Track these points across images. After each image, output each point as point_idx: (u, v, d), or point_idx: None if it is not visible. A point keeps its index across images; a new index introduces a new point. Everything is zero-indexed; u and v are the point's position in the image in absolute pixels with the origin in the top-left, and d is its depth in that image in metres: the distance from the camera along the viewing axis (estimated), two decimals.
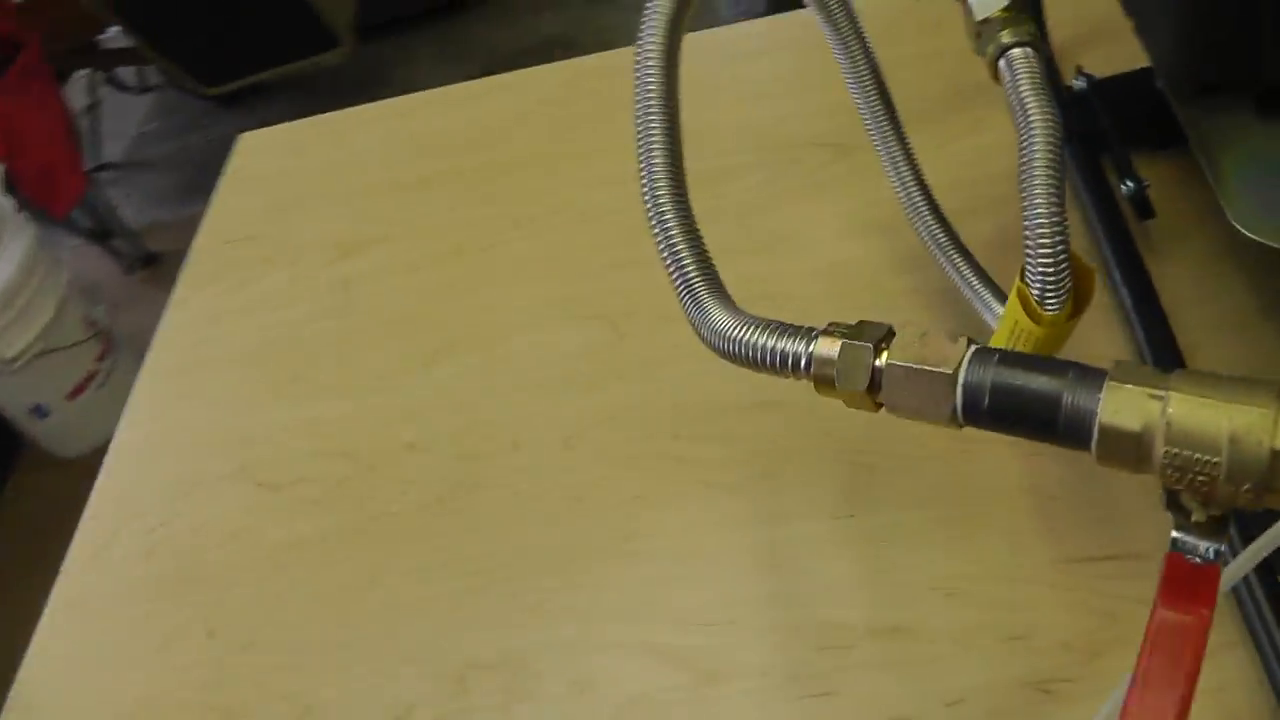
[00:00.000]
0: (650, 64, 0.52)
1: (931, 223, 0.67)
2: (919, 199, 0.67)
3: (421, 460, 0.77)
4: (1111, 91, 0.76)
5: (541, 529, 0.70)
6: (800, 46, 1.01)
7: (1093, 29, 0.84)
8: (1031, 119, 0.50)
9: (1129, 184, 0.70)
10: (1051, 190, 0.48)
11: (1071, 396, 0.37)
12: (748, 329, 0.45)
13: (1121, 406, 0.36)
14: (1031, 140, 0.49)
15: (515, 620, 0.66)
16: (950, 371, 0.39)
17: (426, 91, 1.10)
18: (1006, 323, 0.53)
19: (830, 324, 0.43)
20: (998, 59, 0.53)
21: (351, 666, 0.67)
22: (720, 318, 0.47)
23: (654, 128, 0.51)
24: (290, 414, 0.84)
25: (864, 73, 0.66)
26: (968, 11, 0.56)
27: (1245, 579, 0.55)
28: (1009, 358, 0.38)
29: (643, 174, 0.52)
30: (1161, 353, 0.64)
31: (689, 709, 0.60)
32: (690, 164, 0.87)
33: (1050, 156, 0.49)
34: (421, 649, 0.67)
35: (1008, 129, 0.81)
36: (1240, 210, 0.60)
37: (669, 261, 0.50)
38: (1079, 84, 0.76)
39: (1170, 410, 0.35)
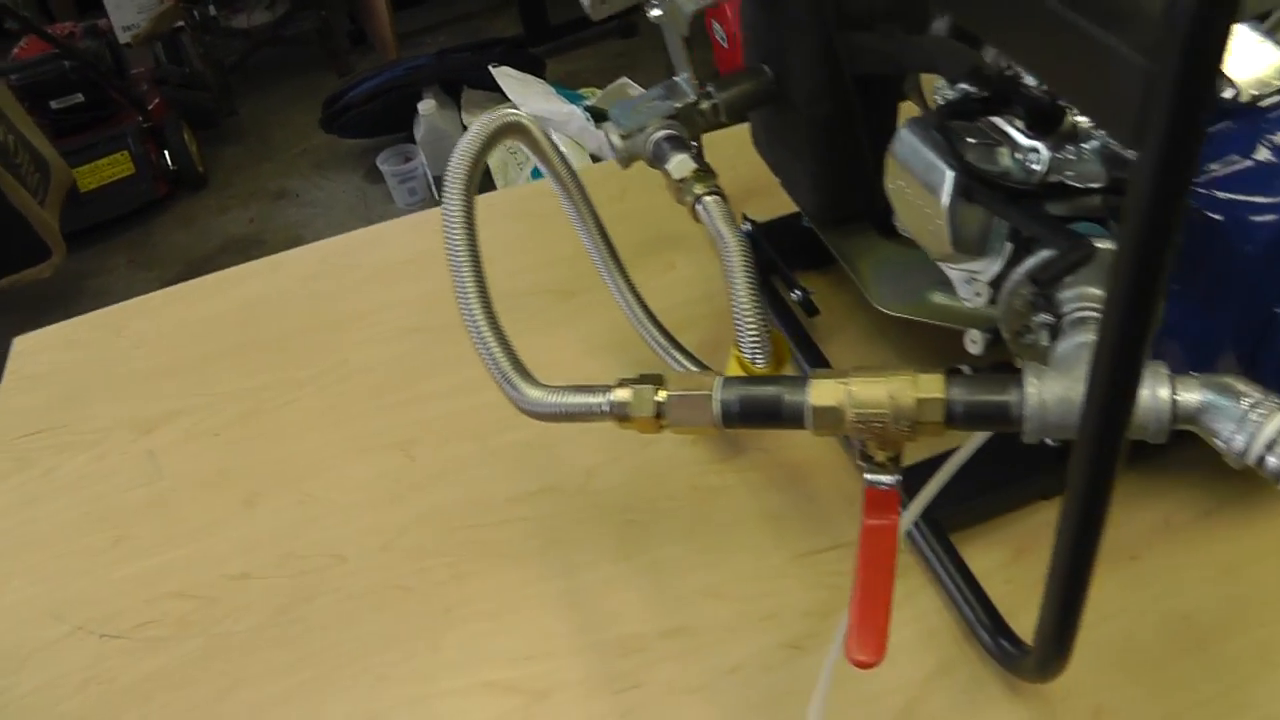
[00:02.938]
0: (455, 211, 0.71)
1: (657, 334, 0.88)
2: (644, 316, 0.89)
3: (257, 585, 0.88)
4: (773, 230, 1.01)
5: (376, 617, 0.84)
6: (517, 216, 1.23)
7: (750, 188, 1.09)
8: (728, 240, 0.72)
9: (797, 293, 0.94)
10: (750, 285, 0.71)
11: (791, 394, 0.58)
12: (554, 394, 0.64)
13: (822, 394, 0.57)
14: (730, 255, 0.71)
15: (367, 692, 0.79)
16: (709, 393, 0.59)
17: (196, 280, 1.23)
18: None
19: (619, 379, 0.63)
20: (695, 205, 0.76)
21: None
22: (531, 391, 0.66)
23: (465, 266, 0.70)
24: (120, 572, 0.91)
25: (592, 228, 0.88)
26: (668, 174, 0.79)
27: (929, 542, 0.77)
28: (745, 379, 0.60)
29: (460, 299, 0.70)
30: None
31: None
32: (436, 319, 1.06)
33: (745, 263, 0.71)
34: None
35: (693, 266, 1.06)
36: (877, 296, 0.85)
37: (487, 359, 0.69)
38: (746, 227, 1.01)
39: (852, 389, 0.56)
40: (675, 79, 0.85)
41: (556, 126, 2.40)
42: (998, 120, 0.67)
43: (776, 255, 0.97)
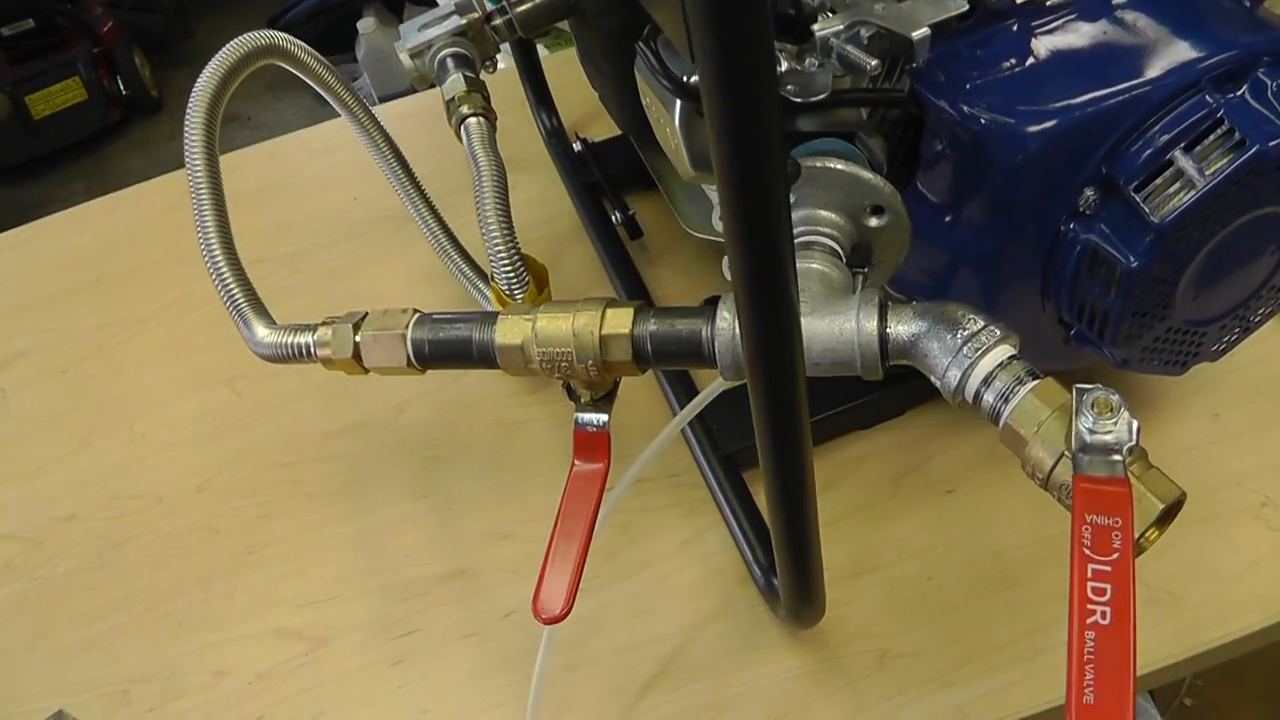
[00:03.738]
0: (196, 143, 0.67)
1: (463, 265, 0.85)
2: (450, 248, 0.85)
3: (80, 528, 0.87)
4: (604, 151, 0.97)
5: (183, 560, 0.82)
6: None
7: (595, 110, 1.04)
8: (481, 167, 0.68)
9: (618, 215, 0.89)
10: (500, 215, 0.66)
11: (480, 332, 0.54)
12: (276, 333, 0.61)
13: (507, 331, 0.53)
14: (481, 183, 0.67)
15: (165, 638, 0.78)
16: (401, 332, 0.55)
17: (63, 212, 1.20)
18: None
19: (328, 317, 0.59)
20: (459, 126, 0.72)
21: (26, 708, 0.76)
22: (259, 330, 0.62)
23: (205, 200, 0.66)
24: None
25: (394, 165, 0.84)
26: (442, 93, 0.75)
27: (716, 478, 0.74)
28: (440, 317, 0.56)
29: (199, 233, 0.66)
30: None
31: (307, 669, 0.74)
32: (280, 249, 1.04)
33: (496, 190, 0.67)
34: (89, 678, 0.77)
35: (534, 188, 1.02)
36: (685, 216, 0.81)
37: (223, 295, 0.65)
38: (578, 147, 0.96)
39: (537, 325, 0.53)
40: None
41: None
42: None
43: (601, 176, 0.93)
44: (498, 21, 0.79)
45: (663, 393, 0.81)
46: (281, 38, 0.73)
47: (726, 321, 0.51)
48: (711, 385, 0.58)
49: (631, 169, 0.92)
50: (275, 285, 1.02)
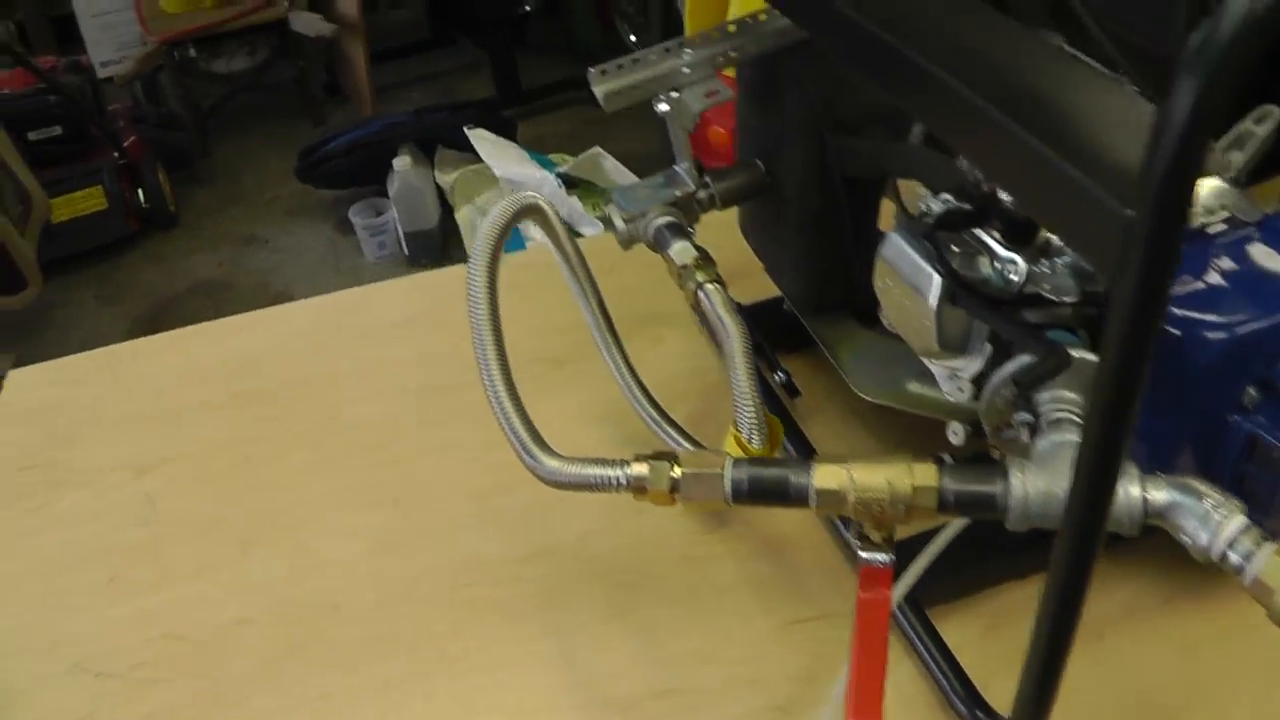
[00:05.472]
0: (479, 286, 0.76)
1: (650, 409, 0.93)
2: (638, 391, 0.93)
3: (252, 631, 0.90)
4: (757, 313, 1.06)
5: (372, 666, 0.87)
6: (506, 287, 1.24)
7: (730, 270, 1.14)
8: (729, 328, 0.78)
9: (780, 375, 0.99)
10: (749, 371, 0.76)
11: (796, 476, 0.63)
12: (576, 465, 0.69)
13: (825, 476, 0.62)
14: (730, 340, 0.77)
15: None
16: (720, 472, 0.64)
17: (192, 326, 1.26)
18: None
19: (635, 455, 0.68)
20: (697, 291, 0.81)
21: None
22: (550, 462, 0.70)
23: (488, 342, 0.75)
24: (115, 611, 0.93)
25: (594, 303, 0.92)
26: (670, 260, 0.85)
27: (907, 619, 0.82)
28: (753, 460, 0.65)
29: (482, 368, 0.75)
30: None
31: None
32: (437, 381, 1.10)
33: (745, 349, 0.76)
34: None
35: (681, 342, 1.11)
36: (857, 383, 0.91)
37: (507, 430, 0.73)
38: None
39: (854, 474, 0.62)
40: (675, 168, 0.91)
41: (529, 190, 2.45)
42: (978, 231, 0.73)
43: (762, 339, 1.02)
44: (701, 195, 0.90)
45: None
46: (542, 200, 0.82)
47: (1019, 481, 0.61)
48: (951, 527, 0.67)
49: (778, 332, 1.02)
50: (429, 415, 1.09)
